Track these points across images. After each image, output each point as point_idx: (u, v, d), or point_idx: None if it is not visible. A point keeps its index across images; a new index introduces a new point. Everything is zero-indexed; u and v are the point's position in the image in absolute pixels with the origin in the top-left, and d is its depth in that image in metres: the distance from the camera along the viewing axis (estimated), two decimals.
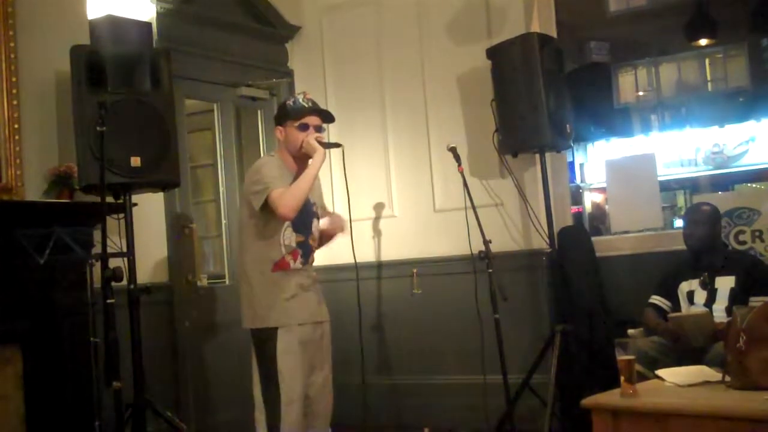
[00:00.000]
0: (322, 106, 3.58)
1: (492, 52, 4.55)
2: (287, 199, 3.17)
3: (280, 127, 3.41)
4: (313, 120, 3.37)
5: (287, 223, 3.29)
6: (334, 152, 3.84)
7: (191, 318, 4.41)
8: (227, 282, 4.87)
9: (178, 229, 4.45)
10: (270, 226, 3.28)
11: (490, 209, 4.66)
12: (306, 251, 3.39)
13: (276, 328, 3.24)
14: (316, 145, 3.30)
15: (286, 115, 3.38)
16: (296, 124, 3.34)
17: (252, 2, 5.15)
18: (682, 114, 12.15)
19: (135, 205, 3.74)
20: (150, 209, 4.18)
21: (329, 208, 3.68)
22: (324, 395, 3.40)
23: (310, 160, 3.34)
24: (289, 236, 3.32)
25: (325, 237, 3.57)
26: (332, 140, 3.66)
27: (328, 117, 3.45)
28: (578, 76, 10.66)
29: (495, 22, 4.80)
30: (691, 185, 11.39)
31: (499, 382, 3.96)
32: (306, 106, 3.36)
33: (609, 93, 12.07)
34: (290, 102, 3.41)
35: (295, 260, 3.34)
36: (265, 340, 3.26)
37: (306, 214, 3.37)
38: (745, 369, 2.89)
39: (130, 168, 3.54)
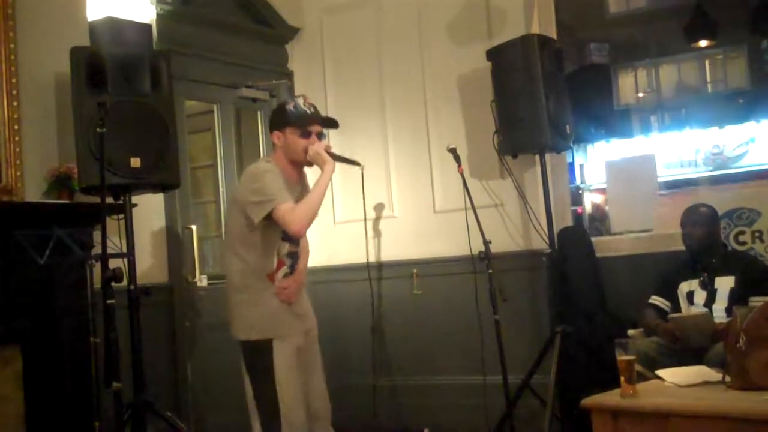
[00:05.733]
0: (322, 107, 3.52)
1: (492, 53, 4.55)
2: (300, 216, 3.04)
3: (278, 132, 3.23)
4: (315, 127, 3.22)
5: (281, 233, 3.18)
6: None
7: (191, 318, 4.42)
8: None
9: (178, 230, 4.45)
10: (267, 238, 3.16)
11: (490, 210, 4.65)
12: (293, 261, 3.32)
13: (271, 339, 3.15)
14: (326, 156, 3.15)
15: (285, 120, 3.21)
16: (298, 131, 3.19)
17: (252, 3, 5.15)
18: (681, 115, 12.18)
19: (135, 205, 3.74)
20: (150, 210, 4.18)
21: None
22: (321, 398, 3.37)
23: (306, 167, 3.28)
24: (281, 247, 3.24)
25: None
26: (332, 140, 3.61)
27: (330, 123, 3.34)
28: (578, 77, 10.68)
29: (495, 23, 4.79)
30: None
31: (499, 382, 3.96)
32: (309, 112, 3.21)
33: (609, 94, 12.10)
34: (290, 107, 3.22)
35: (280, 269, 3.25)
36: (259, 351, 3.15)
37: None
38: (745, 369, 2.89)
39: (130, 169, 3.54)
